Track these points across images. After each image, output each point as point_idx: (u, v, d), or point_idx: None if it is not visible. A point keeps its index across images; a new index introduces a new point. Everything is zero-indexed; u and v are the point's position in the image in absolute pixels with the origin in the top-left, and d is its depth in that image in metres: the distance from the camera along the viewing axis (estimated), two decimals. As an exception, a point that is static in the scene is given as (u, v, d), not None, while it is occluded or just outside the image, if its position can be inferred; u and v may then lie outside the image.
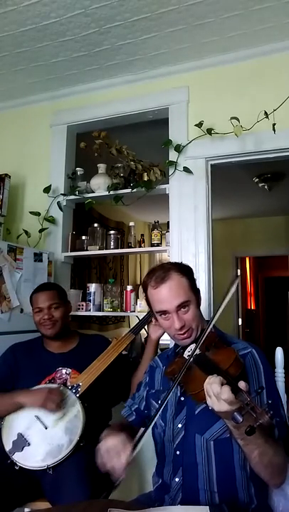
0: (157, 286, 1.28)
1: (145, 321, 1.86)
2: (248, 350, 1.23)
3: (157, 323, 1.76)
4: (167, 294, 1.26)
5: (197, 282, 1.37)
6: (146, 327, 1.90)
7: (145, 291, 1.34)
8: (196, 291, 1.32)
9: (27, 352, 1.81)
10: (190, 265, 1.39)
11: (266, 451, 1.03)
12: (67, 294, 1.96)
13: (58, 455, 1.49)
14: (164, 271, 1.29)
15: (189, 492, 1.17)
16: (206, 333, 1.15)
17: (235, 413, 0.91)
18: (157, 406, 1.32)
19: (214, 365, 1.05)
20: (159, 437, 1.30)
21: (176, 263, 1.37)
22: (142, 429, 1.17)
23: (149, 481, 1.37)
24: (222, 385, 0.97)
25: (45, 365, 1.75)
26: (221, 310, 1.17)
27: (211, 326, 1.16)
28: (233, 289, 1.18)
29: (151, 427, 1.16)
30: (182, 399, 1.26)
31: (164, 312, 1.28)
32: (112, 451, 1.12)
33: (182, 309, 1.26)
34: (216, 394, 0.96)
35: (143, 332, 2.04)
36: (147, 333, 1.88)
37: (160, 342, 1.83)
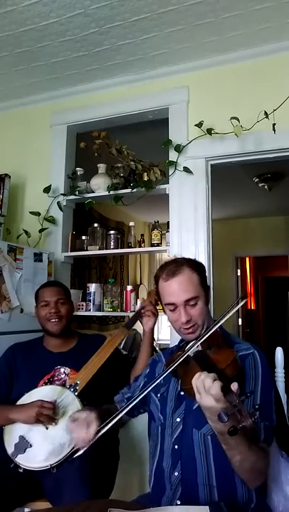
0: (168, 279, 1.30)
1: (137, 316, 1.86)
2: (250, 352, 1.25)
3: (149, 312, 1.78)
4: (177, 287, 1.29)
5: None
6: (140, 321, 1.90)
7: (156, 282, 1.37)
8: (205, 288, 1.34)
9: (26, 352, 1.82)
10: None
11: (248, 457, 1.04)
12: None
13: (61, 454, 1.49)
14: (176, 265, 1.32)
15: (188, 487, 1.18)
16: (210, 332, 1.18)
17: (221, 412, 0.92)
18: (156, 400, 1.33)
19: (212, 363, 1.07)
20: (156, 431, 1.31)
21: (189, 259, 1.40)
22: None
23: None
24: (214, 380, 0.98)
25: (44, 364, 1.76)
26: (230, 314, 1.21)
27: (217, 326, 1.19)
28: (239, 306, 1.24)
29: (125, 411, 1.20)
30: (182, 393, 1.27)
31: (172, 304, 1.30)
32: (79, 423, 1.21)
33: (190, 304, 1.28)
34: (207, 388, 0.98)
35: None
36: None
37: (160, 342, 1.84)
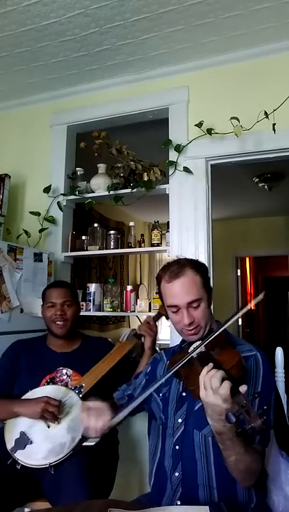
0: (171, 281, 1.29)
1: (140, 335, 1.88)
2: (252, 353, 1.25)
3: (144, 332, 1.80)
4: (180, 289, 1.28)
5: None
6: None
7: (159, 284, 1.36)
8: (208, 290, 1.34)
9: (29, 349, 1.82)
10: None
11: (243, 458, 1.05)
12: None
13: (60, 453, 1.49)
14: (179, 266, 1.31)
15: (189, 487, 1.18)
16: (216, 334, 1.17)
17: (229, 413, 0.91)
18: (158, 399, 1.33)
19: (217, 364, 1.07)
20: (157, 430, 1.31)
21: (192, 260, 1.38)
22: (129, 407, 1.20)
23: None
24: (223, 380, 0.98)
25: (47, 364, 1.76)
26: (238, 315, 1.21)
27: (222, 328, 1.18)
28: (255, 300, 1.27)
29: (137, 403, 1.20)
30: (184, 394, 1.27)
31: (174, 306, 1.29)
32: (93, 412, 1.19)
33: (193, 306, 1.27)
34: (214, 388, 0.97)
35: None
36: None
37: (160, 342, 1.85)
